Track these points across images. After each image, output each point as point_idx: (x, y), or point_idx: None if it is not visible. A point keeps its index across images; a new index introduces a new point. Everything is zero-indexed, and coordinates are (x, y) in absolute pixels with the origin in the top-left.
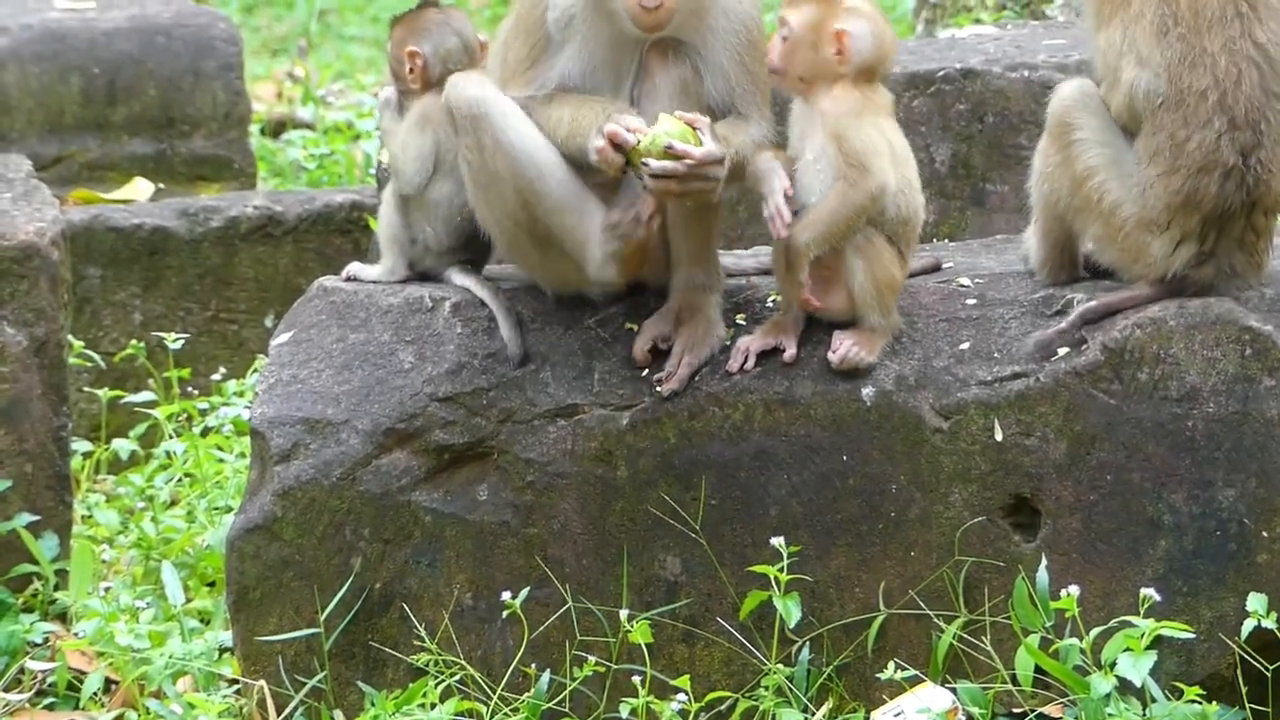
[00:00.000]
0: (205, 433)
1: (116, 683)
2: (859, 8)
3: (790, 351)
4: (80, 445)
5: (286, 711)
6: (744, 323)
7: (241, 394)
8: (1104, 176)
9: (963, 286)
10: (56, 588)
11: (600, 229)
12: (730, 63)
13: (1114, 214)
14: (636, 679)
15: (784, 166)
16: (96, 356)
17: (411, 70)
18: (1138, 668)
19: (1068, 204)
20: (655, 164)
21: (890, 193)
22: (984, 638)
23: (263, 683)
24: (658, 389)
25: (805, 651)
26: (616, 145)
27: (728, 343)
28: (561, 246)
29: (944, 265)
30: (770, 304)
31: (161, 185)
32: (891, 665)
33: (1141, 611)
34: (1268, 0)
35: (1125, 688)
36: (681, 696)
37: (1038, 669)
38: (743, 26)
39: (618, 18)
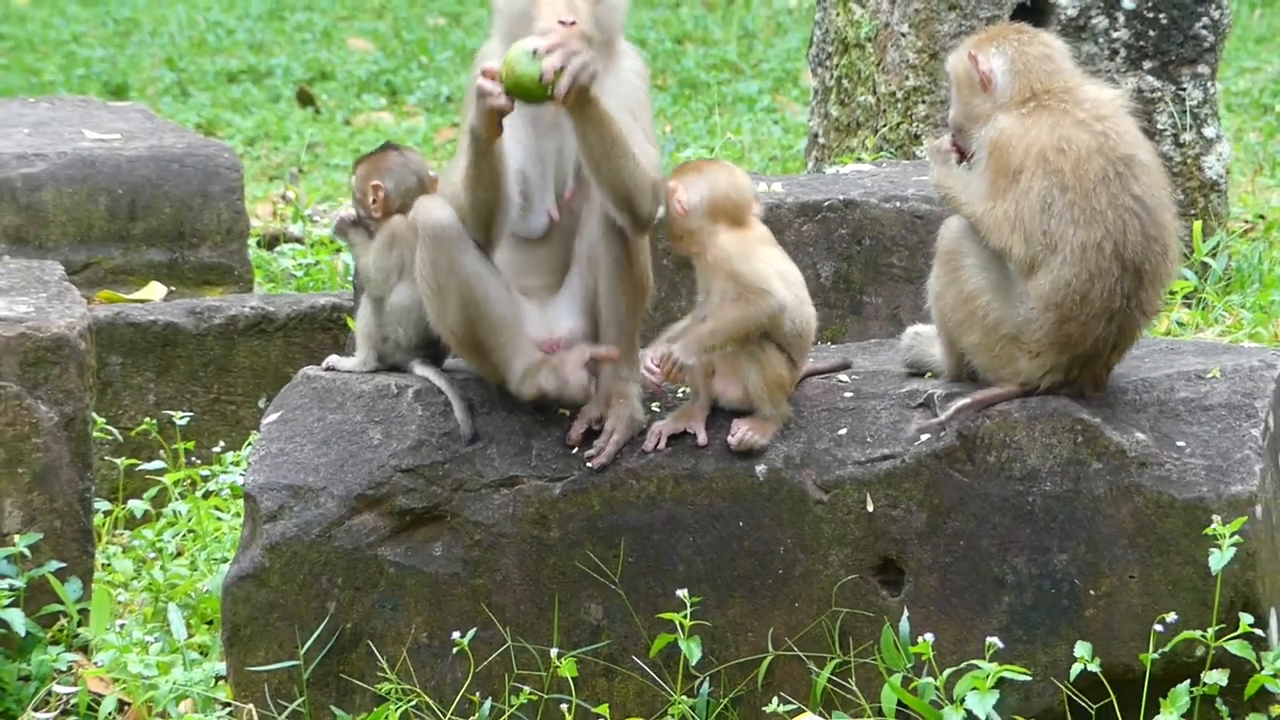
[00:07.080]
0: (206, 496)
1: (129, 704)
2: (691, 180)
3: (701, 437)
4: (101, 505)
5: None
6: (658, 410)
7: (237, 464)
8: (988, 298)
9: (842, 382)
10: (79, 624)
11: (528, 354)
12: (621, 113)
13: (994, 329)
14: (564, 707)
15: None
16: (116, 431)
17: (374, 201)
18: (983, 704)
19: (953, 319)
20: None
21: (789, 311)
22: (854, 677)
23: (251, 707)
24: (588, 464)
25: (706, 686)
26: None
27: (645, 426)
28: (491, 357)
29: (853, 363)
30: (680, 394)
31: (173, 288)
32: (776, 699)
33: (987, 656)
34: (1138, 159)
35: None
36: None
37: (900, 703)
38: (632, 86)
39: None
